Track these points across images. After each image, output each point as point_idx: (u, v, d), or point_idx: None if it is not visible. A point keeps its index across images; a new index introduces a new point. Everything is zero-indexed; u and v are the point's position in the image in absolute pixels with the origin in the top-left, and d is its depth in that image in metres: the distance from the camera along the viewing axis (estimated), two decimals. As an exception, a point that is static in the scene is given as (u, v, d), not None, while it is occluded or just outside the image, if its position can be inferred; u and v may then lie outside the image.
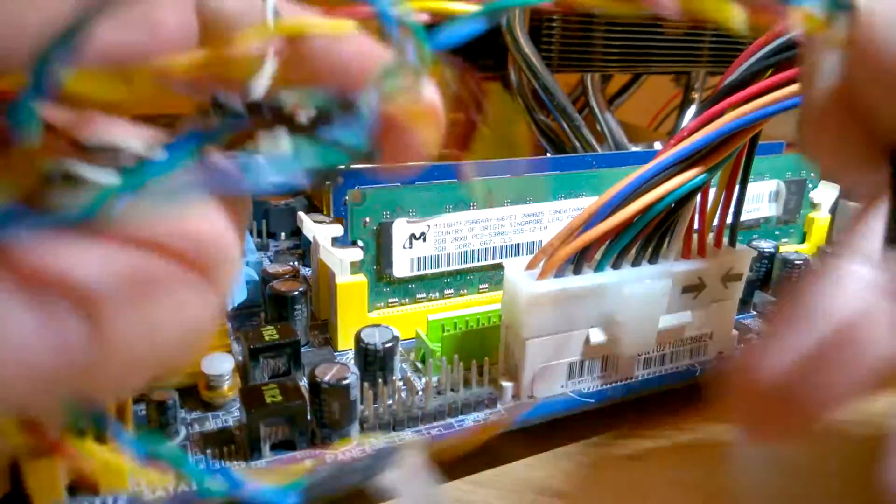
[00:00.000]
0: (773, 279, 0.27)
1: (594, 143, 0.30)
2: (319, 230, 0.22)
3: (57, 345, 0.08)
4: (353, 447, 0.18)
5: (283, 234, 0.30)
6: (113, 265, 0.08)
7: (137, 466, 0.10)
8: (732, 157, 0.20)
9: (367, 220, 0.22)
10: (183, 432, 0.18)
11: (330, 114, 0.09)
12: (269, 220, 0.30)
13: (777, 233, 0.30)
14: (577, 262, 0.19)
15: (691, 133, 0.19)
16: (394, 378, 0.20)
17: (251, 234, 0.29)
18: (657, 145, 0.34)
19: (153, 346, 0.09)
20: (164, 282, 0.09)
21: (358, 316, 0.22)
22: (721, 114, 0.19)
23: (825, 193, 0.30)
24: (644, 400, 0.21)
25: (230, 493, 0.11)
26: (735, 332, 0.23)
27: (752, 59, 0.19)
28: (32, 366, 0.08)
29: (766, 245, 0.27)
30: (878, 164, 0.13)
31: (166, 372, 0.09)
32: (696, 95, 0.34)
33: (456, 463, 0.19)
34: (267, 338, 0.20)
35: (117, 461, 0.10)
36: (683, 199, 0.19)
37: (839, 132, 0.13)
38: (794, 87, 0.18)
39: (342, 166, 0.09)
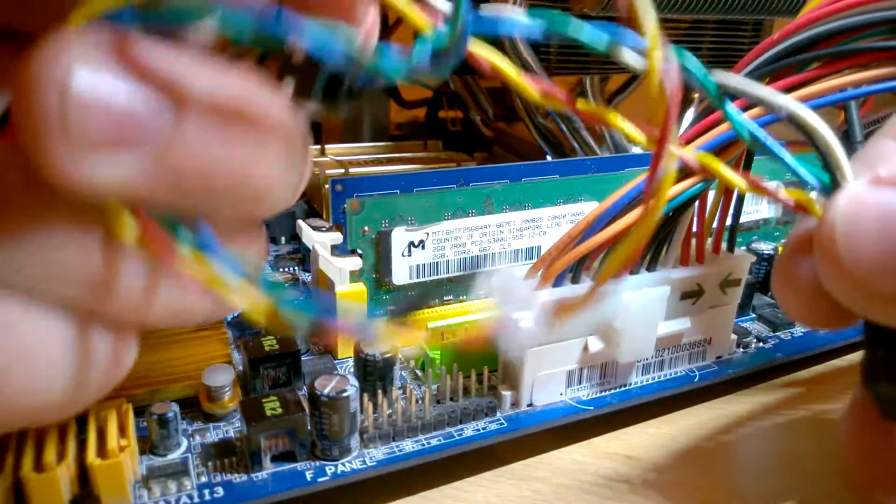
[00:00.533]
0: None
1: (593, 144, 0.30)
2: (319, 238, 0.22)
3: (141, 119, 0.09)
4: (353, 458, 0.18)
5: (283, 238, 0.30)
6: (210, 81, 0.10)
7: (234, 283, 0.10)
8: (731, 163, 0.20)
9: (366, 228, 0.22)
10: (184, 444, 0.18)
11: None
12: (269, 225, 0.30)
13: (776, 234, 0.30)
14: (575, 271, 0.19)
15: (689, 141, 0.19)
16: (393, 388, 0.20)
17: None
18: (657, 145, 0.33)
19: (223, 172, 0.10)
20: (247, 125, 0.10)
21: (357, 324, 0.22)
22: (720, 121, 0.19)
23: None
24: (643, 403, 0.21)
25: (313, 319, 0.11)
26: (734, 336, 0.23)
27: (751, 67, 0.19)
28: (107, 109, 0.09)
29: (766, 247, 0.27)
30: (842, 321, 0.14)
31: (229, 205, 0.10)
32: (695, 95, 0.33)
33: (456, 463, 0.19)
34: (267, 348, 0.20)
35: (219, 278, 0.10)
36: (682, 207, 0.19)
37: (808, 294, 0.14)
38: (790, 96, 0.18)
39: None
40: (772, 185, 0.15)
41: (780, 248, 0.28)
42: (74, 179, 0.09)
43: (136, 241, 0.10)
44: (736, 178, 0.14)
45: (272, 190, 0.11)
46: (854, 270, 0.12)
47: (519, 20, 0.11)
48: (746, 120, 0.14)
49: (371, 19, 0.13)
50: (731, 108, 0.14)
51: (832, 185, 0.14)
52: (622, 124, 0.13)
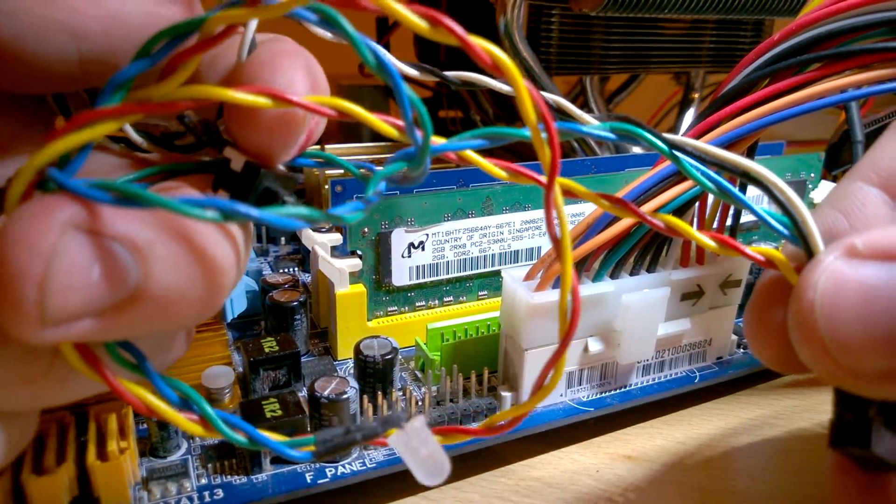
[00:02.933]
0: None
1: (593, 144, 0.30)
2: (318, 239, 0.22)
3: (109, 273, 0.10)
4: (353, 460, 0.18)
5: (282, 239, 0.30)
6: (152, 224, 0.11)
7: (171, 410, 0.12)
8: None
9: (366, 229, 0.22)
10: (184, 446, 0.18)
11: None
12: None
13: (776, 234, 0.30)
14: (575, 272, 0.19)
15: (689, 142, 0.19)
16: (393, 389, 0.20)
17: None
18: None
19: (182, 284, 0.11)
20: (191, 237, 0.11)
21: (357, 325, 0.22)
22: (719, 123, 0.19)
23: (825, 194, 0.30)
24: (643, 404, 0.21)
25: (252, 444, 0.12)
26: (734, 337, 0.23)
27: (751, 68, 0.19)
28: (88, 286, 0.10)
29: (766, 247, 0.27)
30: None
31: (196, 312, 0.11)
32: (695, 95, 0.33)
33: (456, 464, 0.19)
34: (267, 350, 0.20)
35: (155, 402, 0.12)
36: (682, 208, 0.19)
37: (786, 342, 0.13)
38: (791, 97, 0.18)
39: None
40: (741, 244, 0.15)
41: (780, 249, 0.28)
42: (35, 342, 0.10)
43: (86, 371, 0.11)
44: (705, 240, 0.14)
45: (201, 316, 0.12)
46: (836, 351, 0.12)
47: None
48: (707, 173, 0.14)
49: (314, 126, 0.13)
50: (690, 162, 0.14)
51: (806, 250, 0.13)
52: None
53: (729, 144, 0.18)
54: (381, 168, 0.13)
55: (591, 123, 0.14)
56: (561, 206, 0.13)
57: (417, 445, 0.13)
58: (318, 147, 0.34)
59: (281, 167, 0.13)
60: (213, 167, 0.13)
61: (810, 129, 0.34)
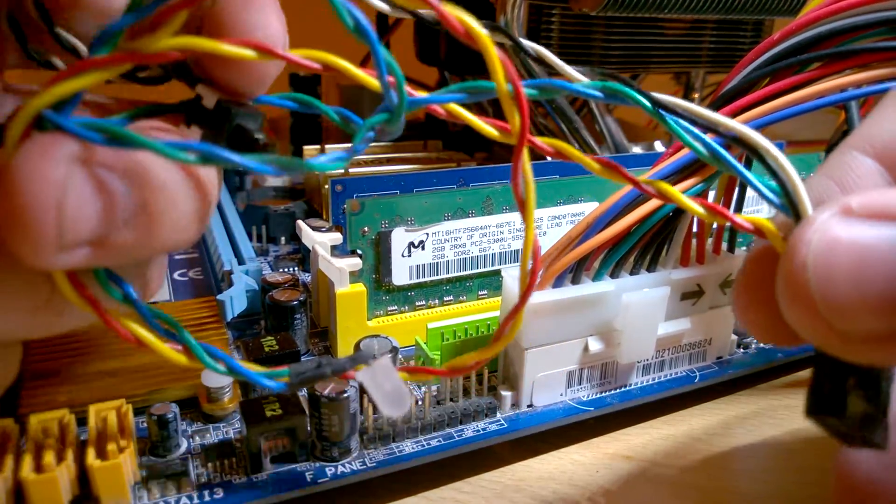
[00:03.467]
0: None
1: (594, 144, 0.30)
2: (318, 239, 0.22)
3: (109, 201, 0.11)
4: (353, 459, 0.18)
5: (282, 238, 0.30)
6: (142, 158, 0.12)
7: (157, 340, 0.13)
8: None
9: (366, 229, 0.22)
10: (184, 445, 0.18)
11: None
12: (269, 225, 0.30)
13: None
14: (576, 271, 0.19)
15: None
16: (393, 388, 0.20)
17: (251, 238, 0.29)
18: (657, 145, 0.33)
19: (171, 209, 0.12)
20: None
21: (357, 325, 0.22)
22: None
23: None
24: (643, 404, 0.21)
25: (230, 372, 0.13)
26: (734, 336, 0.23)
27: (751, 67, 0.19)
28: (95, 213, 0.11)
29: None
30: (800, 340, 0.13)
31: (181, 237, 0.13)
32: (696, 95, 0.33)
33: (456, 464, 0.19)
34: (267, 349, 0.20)
35: (144, 332, 0.13)
36: (682, 208, 0.19)
37: (766, 313, 0.13)
38: (791, 96, 0.18)
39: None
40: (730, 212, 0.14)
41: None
42: (47, 267, 0.11)
43: (80, 303, 0.12)
44: (694, 206, 0.14)
45: (184, 242, 0.13)
46: (826, 311, 0.11)
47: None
48: (697, 135, 0.14)
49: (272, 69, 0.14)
50: (680, 123, 0.14)
51: (794, 215, 0.13)
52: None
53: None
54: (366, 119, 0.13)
55: (580, 81, 0.14)
56: (528, 171, 0.13)
57: (382, 381, 0.14)
58: (318, 147, 0.34)
59: (250, 103, 0.14)
60: (185, 106, 0.13)
61: (810, 129, 0.34)
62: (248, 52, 0.11)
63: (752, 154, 0.14)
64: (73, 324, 0.13)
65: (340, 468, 0.17)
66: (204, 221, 0.13)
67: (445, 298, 0.24)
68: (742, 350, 0.24)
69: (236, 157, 0.11)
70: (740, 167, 0.14)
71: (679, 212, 0.19)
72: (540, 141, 0.14)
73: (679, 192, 0.14)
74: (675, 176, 0.18)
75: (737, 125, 0.14)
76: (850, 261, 0.11)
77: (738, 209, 0.23)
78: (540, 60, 0.14)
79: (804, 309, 0.12)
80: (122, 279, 0.13)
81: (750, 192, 0.28)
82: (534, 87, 0.14)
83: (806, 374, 0.25)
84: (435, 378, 0.20)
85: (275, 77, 0.14)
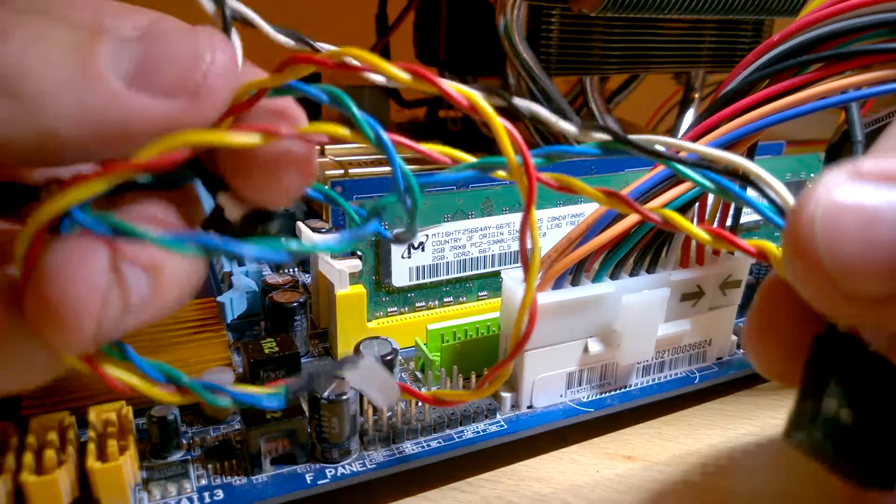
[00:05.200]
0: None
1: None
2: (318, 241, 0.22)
3: (127, 294, 0.12)
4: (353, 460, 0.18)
5: (282, 240, 0.30)
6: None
7: (152, 385, 0.13)
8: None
9: (366, 230, 0.22)
10: (185, 447, 0.18)
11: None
12: (269, 225, 0.30)
13: (777, 234, 0.30)
14: (575, 273, 0.19)
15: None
16: (393, 390, 0.20)
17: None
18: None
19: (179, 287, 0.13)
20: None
21: (357, 326, 0.22)
22: (719, 123, 0.19)
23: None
24: (643, 405, 0.21)
25: (234, 403, 0.14)
26: (734, 337, 0.23)
27: (751, 68, 0.19)
28: (117, 309, 0.12)
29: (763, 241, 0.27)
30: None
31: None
32: (696, 95, 0.33)
33: (456, 465, 0.19)
34: (267, 351, 0.20)
35: (137, 381, 0.13)
36: (682, 209, 0.19)
37: (790, 348, 0.14)
38: (791, 98, 0.18)
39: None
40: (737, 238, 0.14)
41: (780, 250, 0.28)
42: (75, 354, 0.12)
43: (82, 366, 0.12)
44: (701, 234, 0.15)
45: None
46: (833, 271, 0.11)
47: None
48: (706, 172, 0.14)
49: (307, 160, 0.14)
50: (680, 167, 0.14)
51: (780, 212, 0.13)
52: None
53: (729, 145, 0.18)
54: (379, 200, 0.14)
55: (579, 143, 0.14)
56: (535, 230, 0.14)
57: (370, 379, 0.15)
58: (317, 149, 0.34)
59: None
60: (207, 219, 0.14)
61: (810, 129, 0.34)
62: (252, 138, 0.12)
63: (754, 188, 0.14)
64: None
65: (340, 470, 0.17)
66: (196, 287, 0.14)
67: (445, 300, 0.24)
68: (742, 351, 0.24)
69: (237, 248, 0.11)
70: (751, 199, 0.14)
71: (679, 213, 0.19)
72: (546, 177, 0.14)
73: (685, 220, 0.14)
74: (673, 179, 0.18)
75: (741, 162, 0.14)
76: (857, 221, 0.11)
77: (737, 216, 0.23)
78: (533, 118, 0.14)
79: (809, 266, 0.12)
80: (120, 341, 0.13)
81: (750, 193, 0.28)
82: (541, 155, 0.14)
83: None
84: (435, 378, 0.20)
85: (303, 190, 0.14)
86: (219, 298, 0.23)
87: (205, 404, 0.19)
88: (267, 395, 0.14)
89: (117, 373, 0.13)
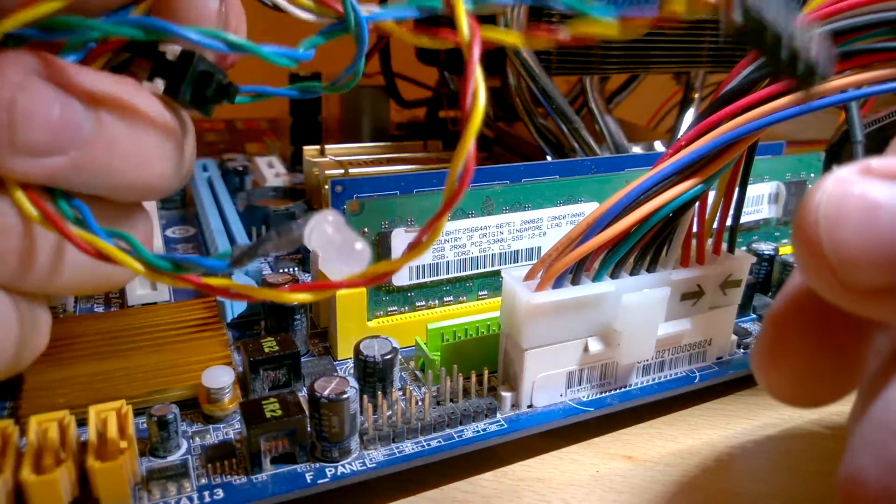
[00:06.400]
0: (773, 281, 0.27)
1: (593, 144, 0.29)
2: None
3: (67, 116, 0.12)
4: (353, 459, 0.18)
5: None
6: (110, 85, 0.13)
7: (107, 245, 0.13)
8: (731, 165, 0.20)
9: (366, 229, 0.22)
10: (184, 446, 0.18)
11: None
12: (269, 225, 0.30)
13: (777, 234, 0.30)
14: (575, 272, 0.19)
15: (689, 142, 0.19)
16: (393, 389, 0.20)
17: (251, 239, 0.29)
18: (657, 145, 0.33)
19: (127, 151, 0.13)
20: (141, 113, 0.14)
21: (357, 325, 0.22)
22: (719, 123, 0.19)
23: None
24: (643, 404, 0.21)
25: (174, 269, 0.13)
26: (734, 336, 0.23)
27: (751, 68, 0.19)
28: (49, 122, 0.12)
29: (766, 247, 0.27)
30: (834, 397, 0.14)
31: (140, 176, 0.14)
32: (696, 95, 0.33)
33: (456, 465, 0.19)
34: (267, 350, 0.20)
35: (92, 238, 0.13)
36: (682, 209, 0.19)
37: (801, 369, 0.14)
38: (791, 97, 0.18)
39: None
40: None
41: (780, 249, 0.28)
42: (12, 174, 0.12)
43: (40, 220, 0.13)
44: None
45: (161, 177, 0.14)
46: (833, 258, 0.12)
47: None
48: None
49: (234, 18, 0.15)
50: None
51: None
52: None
53: (729, 145, 0.18)
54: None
55: None
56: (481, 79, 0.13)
57: (332, 233, 0.13)
58: (318, 149, 0.34)
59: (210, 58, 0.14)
60: (152, 57, 0.14)
61: (810, 129, 0.34)
62: None
63: None
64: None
65: (340, 469, 0.17)
66: (176, 166, 0.14)
67: (445, 299, 0.24)
68: (742, 350, 0.24)
69: (180, 30, 0.12)
70: None
71: (679, 212, 0.19)
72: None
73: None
74: (676, 176, 0.18)
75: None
76: (858, 213, 0.12)
77: (739, 209, 0.23)
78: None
79: (812, 253, 0.12)
80: (83, 205, 0.13)
81: (750, 192, 0.28)
82: None
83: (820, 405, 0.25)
84: (435, 378, 0.20)
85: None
86: (219, 298, 0.23)
87: (205, 403, 0.19)
88: (211, 259, 0.14)
89: (80, 232, 0.13)
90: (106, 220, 0.14)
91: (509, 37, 0.13)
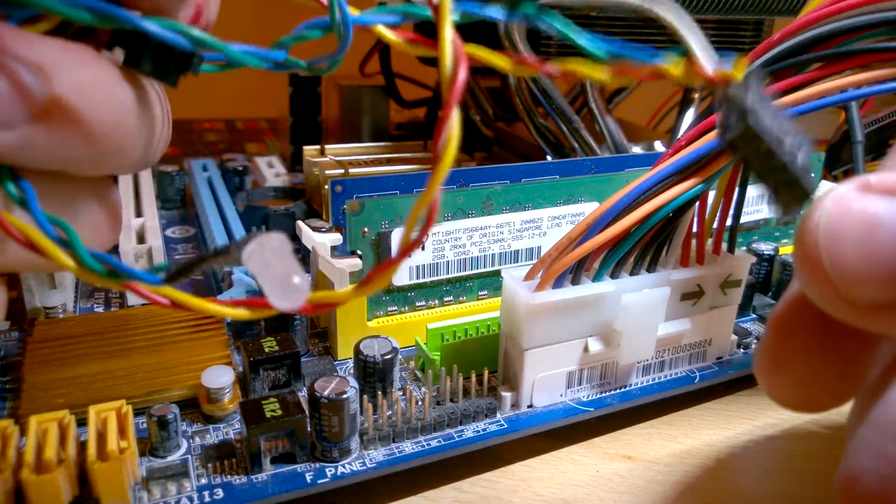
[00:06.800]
0: (773, 282, 0.27)
1: (593, 144, 0.29)
2: (318, 239, 0.22)
3: (11, 89, 0.11)
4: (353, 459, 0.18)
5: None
6: (67, 53, 0.12)
7: (39, 235, 0.12)
8: (731, 165, 0.20)
9: (366, 229, 0.22)
10: (184, 445, 0.18)
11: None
12: (269, 225, 0.30)
13: (777, 234, 0.30)
14: (576, 272, 0.19)
15: (689, 142, 0.19)
16: (393, 389, 0.20)
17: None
18: (657, 145, 0.33)
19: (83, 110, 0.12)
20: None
21: (357, 325, 0.22)
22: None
23: (825, 194, 0.30)
24: (643, 404, 0.21)
25: (110, 275, 0.12)
26: (734, 336, 0.23)
27: (751, 67, 0.19)
28: None
29: (766, 247, 0.27)
30: (837, 402, 0.14)
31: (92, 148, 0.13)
32: (696, 95, 0.33)
33: (456, 464, 0.19)
34: (267, 350, 0.20)
35: (24, 227, 0.12)
36: (682, 209, 0.19)
37: (802, 374, 0.14)
38: (791, 97, 0.18)
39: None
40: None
41: (780, 249, 0.28)
42: None
43: None
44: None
45: (123, 153, 0.13)
46: (834, 275, 0.12)
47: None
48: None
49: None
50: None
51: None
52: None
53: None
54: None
55: None
56: (457, 125, 0.12)
57: (272, 261, 0.12)
58: (317, 148, 0.34)
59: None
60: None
61: (810, 129, 0.34)
62: None
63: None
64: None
65: (340, 469, 0.17)
66: (141, 141, 0.13)
67: (445, 299, 0.24)
68: (742, 350, 0.24)
69: (138, 21, 0.11)
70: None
71: (679, 212, 0.19)
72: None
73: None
74: (676, 176, 0.18)
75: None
76: (857, 229, 0.12)
77: (739, 209, 0.23)
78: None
79: (813, 270, 0.12)
80: (28, 185, 0.12)
81: (750, 192, 0.28)
82: None
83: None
84: (435, 378, 0.20)
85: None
86: (219, 297, 0.23)
87: (205, 402, 0.19)
88: (147, 270, 0.13)
89: (13, 219, 0.12)
90: (62, 198, 0.13)
91: (499, 60, 0.13)
